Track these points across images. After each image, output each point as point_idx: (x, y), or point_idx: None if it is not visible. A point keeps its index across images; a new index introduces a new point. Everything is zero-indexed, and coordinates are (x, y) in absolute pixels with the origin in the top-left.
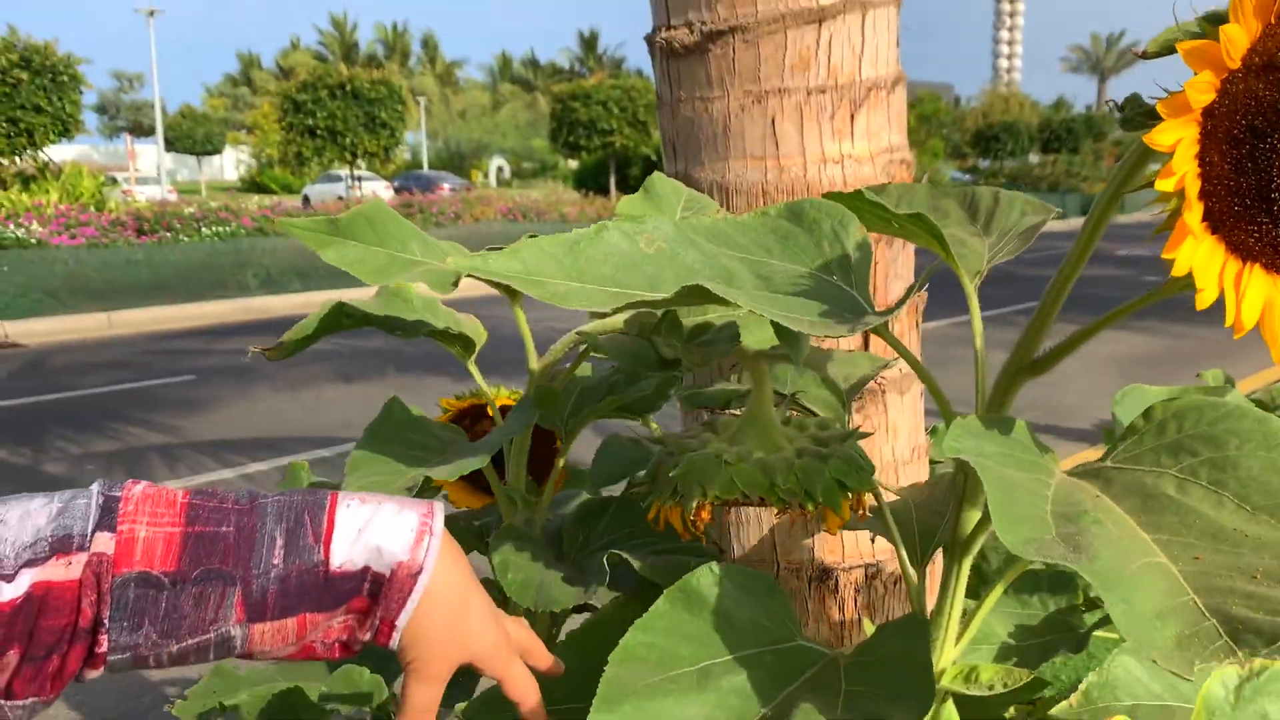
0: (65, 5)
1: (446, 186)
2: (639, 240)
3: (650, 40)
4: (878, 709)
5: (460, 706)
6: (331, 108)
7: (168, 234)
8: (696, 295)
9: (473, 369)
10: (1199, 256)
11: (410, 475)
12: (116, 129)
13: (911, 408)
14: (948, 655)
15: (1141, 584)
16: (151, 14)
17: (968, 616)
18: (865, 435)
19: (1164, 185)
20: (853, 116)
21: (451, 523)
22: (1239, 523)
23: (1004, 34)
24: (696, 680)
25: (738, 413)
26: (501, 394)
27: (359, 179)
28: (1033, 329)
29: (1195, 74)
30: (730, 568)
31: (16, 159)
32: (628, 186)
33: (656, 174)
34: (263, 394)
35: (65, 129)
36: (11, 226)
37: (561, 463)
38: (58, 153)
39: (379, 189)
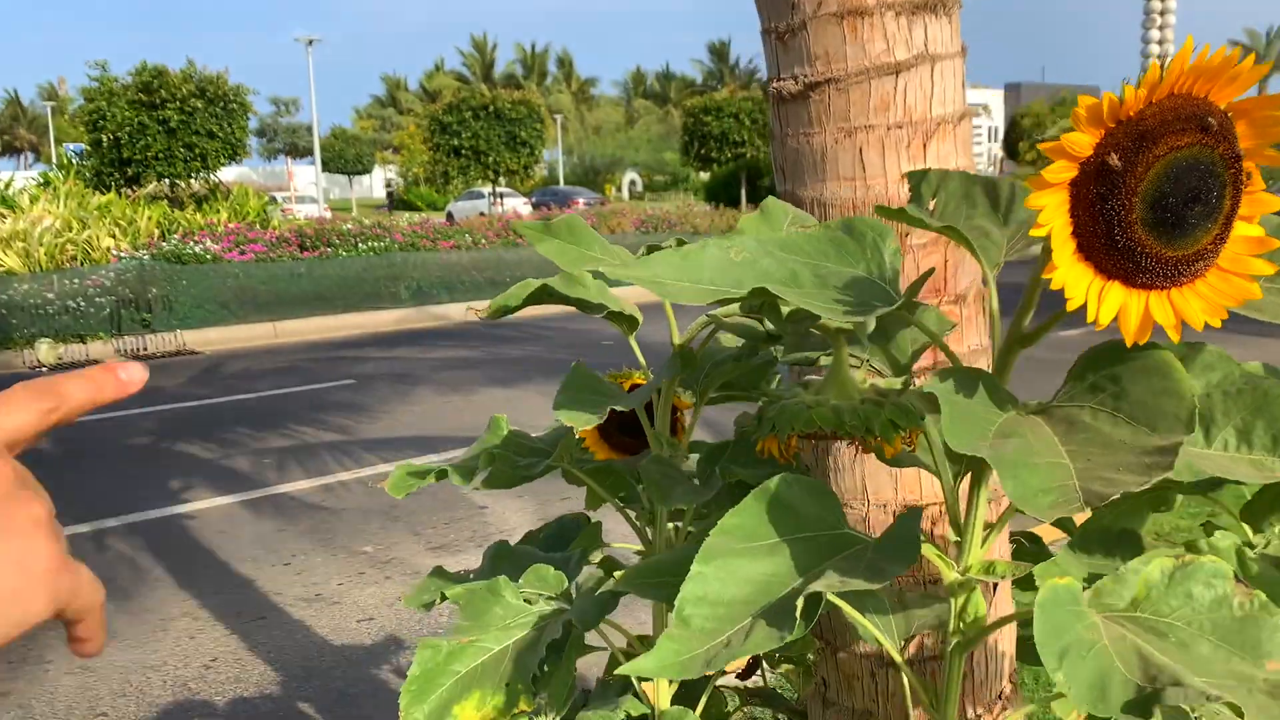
0: (232, 38)
1: (581, 201)
2: (730, 252)
3: (765, 88)
4: (887, 566)
5: None
6: (475, 128)
7: (327, 249)
8: (763, 294)
9: (633, 343)
10: (1069, 277)
11: (601, 408)
12: (274, 151)
13: None
14: (975, 554)
15: (1038, 470)
16: (310, 43)
17: (995, 525)
18: (916, 389)
19: (1036, 233)
20: (925, 145)
21: (607, 468)
22: (1124, 434)
23: (1154, 33)
24: (769, 550)
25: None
26: (635, 376)
27: (500, 195)
28: (1020, 311)
29: (1054, 163)
30: (799, 478)
31: (192, 181)
32: (758, 197)
33: (770, 197)
34: (419, 396)
35: (234, 153)
36: (191, 243)
37: (694, 417)
38: (222, 175)
39: (518, 205)
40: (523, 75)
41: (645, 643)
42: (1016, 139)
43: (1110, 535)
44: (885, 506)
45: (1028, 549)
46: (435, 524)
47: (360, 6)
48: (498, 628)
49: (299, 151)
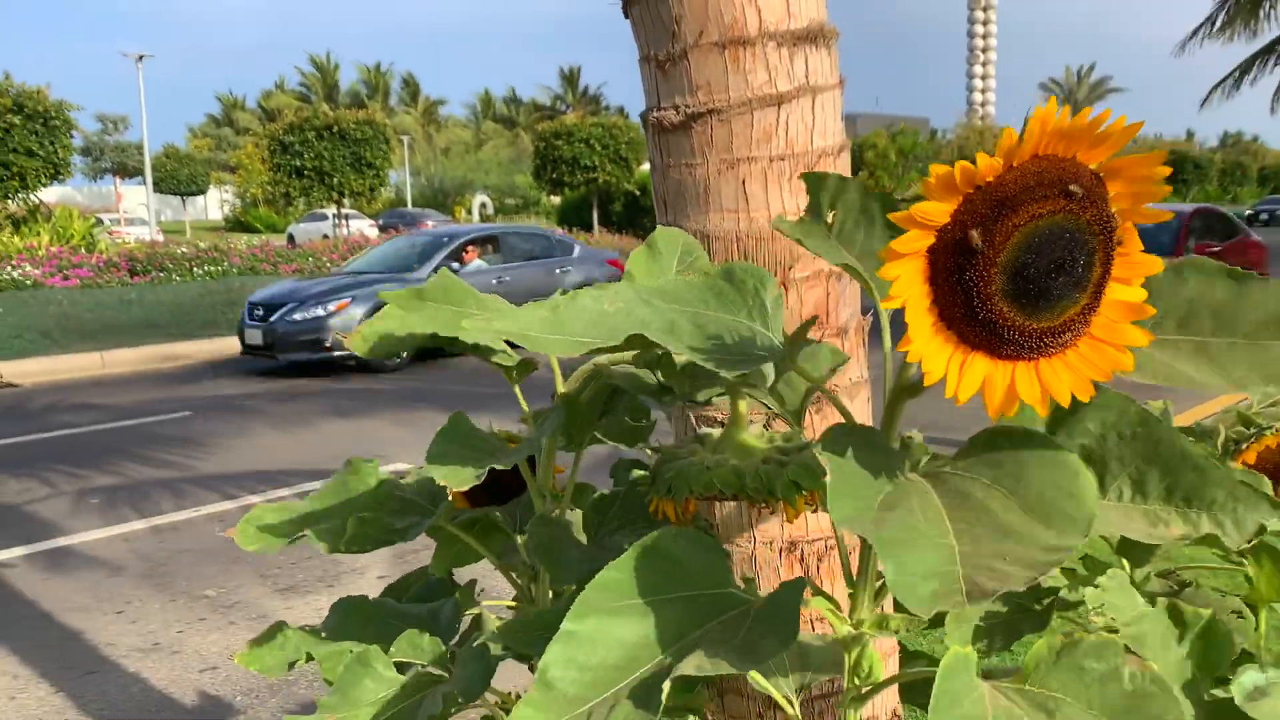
0: (55, 51)
1: (430, 223)
2: (604, 302)
3: (645, 117)
4: (763, 642)
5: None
6: (319, 148)
7: (160, 274)
8: (639, 343)
9: (518, 393)
10: (927, 350)
11: (480, 469)
12: (101, 170)
13: (861, 410)
14: (867, 609)
15: (923, 553)
16: (140, 58)
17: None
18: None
19: (888, 305)
20: None
21: (484, 518)
22: (1015, 521)
23: (977, 68)
24: (645, 609)
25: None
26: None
27: (345, 217)
28: (906, 360)
29: (906, 232)
30: (686, 531)
31: (9, 202)
32: (610, 221)
33: (659, 229)
34: (259, 428)
35: (56, 172)
36: (7, 269)
37: (576, 466)
38: (44, 195)
39: (364, 227)
40: (367, 95)
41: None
42: (857, 169)
43: None
44: (771, 544)
45: None
46: (281, 564)
47: (197, 22)
48: (369, 703)
49: (128, 171)
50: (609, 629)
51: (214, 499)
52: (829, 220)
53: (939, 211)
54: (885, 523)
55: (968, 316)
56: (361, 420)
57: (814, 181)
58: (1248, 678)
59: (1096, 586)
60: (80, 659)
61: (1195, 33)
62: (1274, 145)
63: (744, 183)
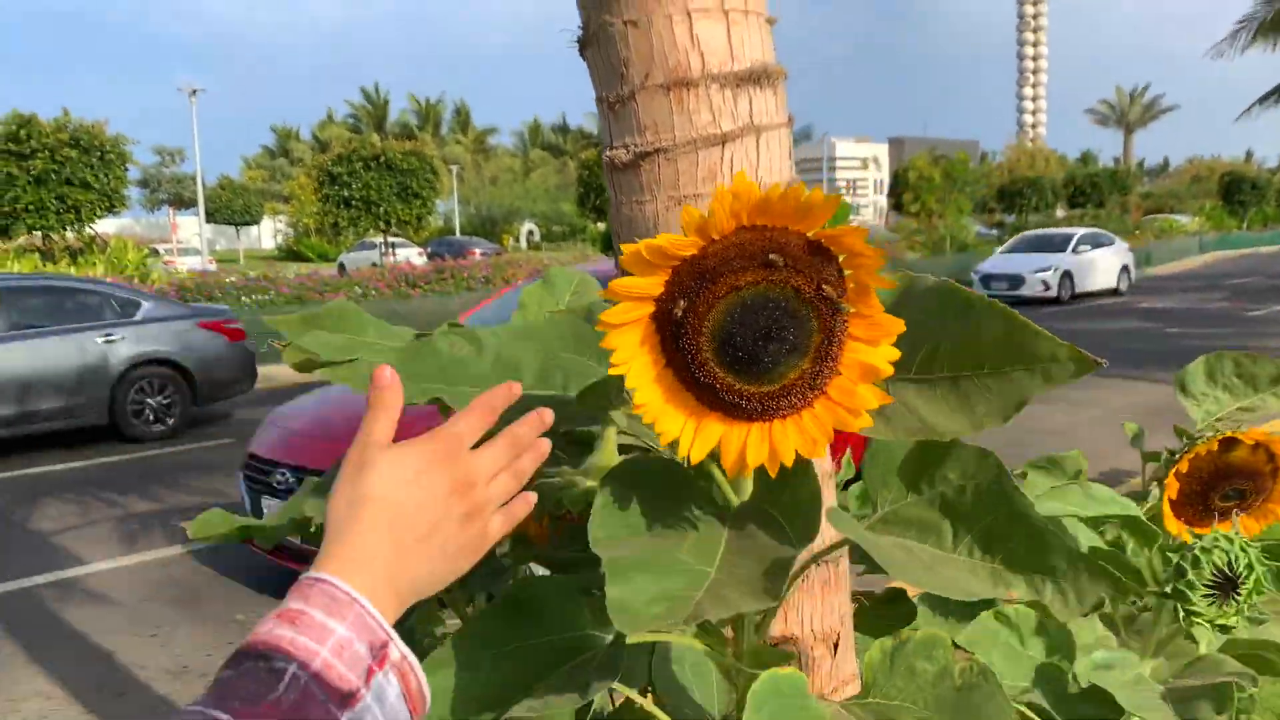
0: (115, 86)
1: (478, 251)
2: (451, 346)
3: (601, 156)
4: (591, 682)
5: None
6: (366, 179)
7: (209, 303)
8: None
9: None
10: (661, 413)
11: None
12: (158, 201)
13: None
14: (748, 640)
15: (664, 578)
16: (194, 93)
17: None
18: None
19: (614, 372)
20: None
21: None
22: (769, 541)
23: (1027, 90)
24: (504, 657)
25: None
26: None
27: (393, 246)
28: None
29: (618, 303)
30: (552, 578)
31: (66, 233)
32: None
33: (553, 267)
34: None
35: (112, 204)
36: None
37: None
38: (102, 226)
39: (411, 255)
40: (417, 125)
41: None
42: (901, 192)
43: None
44: None
45: (883, 608)
46: None
47: (252, 55)
48: None
49: (184, 202)
50: (472, 678)
51: None
52: None
53: (652, 284)
54: (633, 547)
55: (693, 380)
56: None
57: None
58: (1097, 655)
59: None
60: (112, 681)
61: (1236, 35)
62: None
63: None
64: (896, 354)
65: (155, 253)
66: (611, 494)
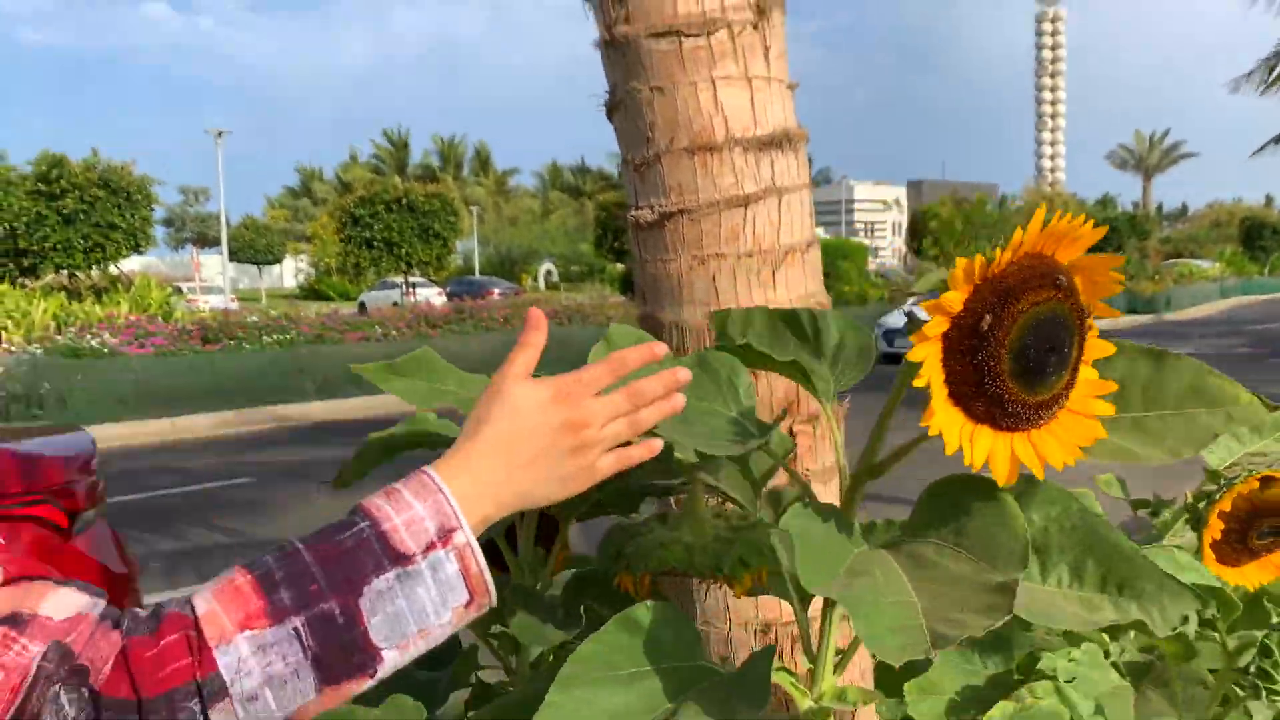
0: (145, 126)
1: (496, 291)
2: None
3: (626, 215)
4: (738, 708)
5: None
6: (388, 220)
7: (231, 342)
8: None
9: None
10: (945, 424)
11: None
12: (182, 240)
13: (833, 494)
14: (828, 681)
15: (885, 611)
16: (220, 135)
17: (845, 652)
18: (768, 525)
19: (918, 383)
20: (774, 273)
21: None
22: (966, 570)
23: (1045, 134)
24: (627, 680)
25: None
26: None
27: (413, 286)
28: (871, 445)
29: (931, 318)
30: (662, 605)
31: (91, 272)
32: None
33: (615, 325)
34: (318, 495)
35: (137, 244)
36: (87, 337)
37: (560, 541)
38: (127, 264)
39: (431, 295)
40: (439, 167)
41: None
42: (920, 234)
43: (982, 640)
44: (746, 625)
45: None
46: None
47: (279, 97)
48: None
49: (208, 241)
50: (592, 699)
51: None
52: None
53: (956, 299)
54: (851, 586)
55: (978, 392)
56: None
57: (720, 319)
58: None
59: (1072, 660)
60: None
61: (1249, 74)
62: None
63: (714, 278)
64: (1096, 373)
65: (179, 291)
66: (801, 541)
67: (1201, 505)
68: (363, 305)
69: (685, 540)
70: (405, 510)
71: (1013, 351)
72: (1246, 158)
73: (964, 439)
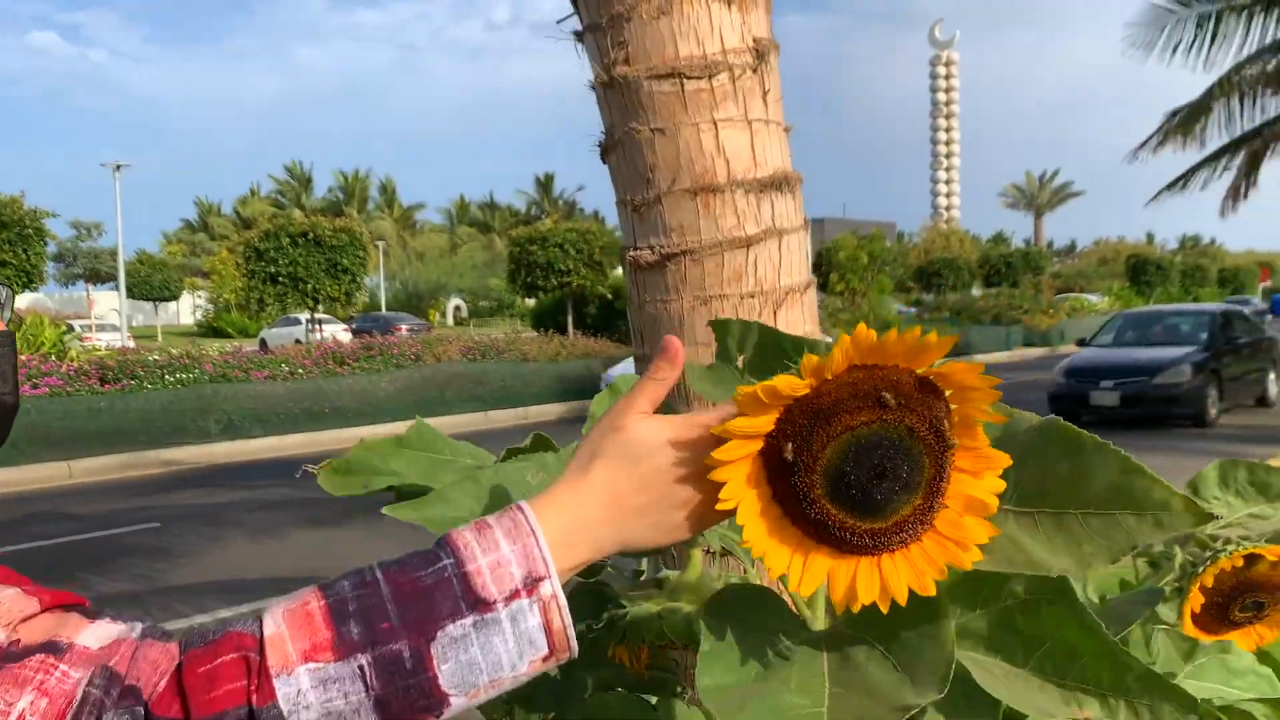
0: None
1: (405, 327)
2: (527, 474)
3: (623, 255)
4: None
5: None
6: (294, 255)
7: (131, 381)
8: None
9: None
10: (768, 547)
11: None
12: (73, 276)
13: None
14: None
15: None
16: (118, 168)
17: None
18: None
19: (723, 507)
20: (775, 313)
21: None
22: (885, 681)
23: (941, 174)
24: None
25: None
26: None
27: (319, 322)
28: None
29: (731, 440)
30: (628, 696)
31: None
32: (584, 324)
33: (619, 375)
34: (229, 538)
35: (29, 280)
36: None
37: None
38: (17, 302)
39: (338, 332)
40: (343, 201)
41: None
42: (827, 272)
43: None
44: None
45: None
46: None
47: (176, 130)
48: None
49: (101, 277)
50: None
51: (183, 611)
52: (739, 362)
53: (762, 423)
54: (749, 700)
55: (802, 516)
56: (333, 529)
57: (720, 327)
58: None
59: None
60: None
61: (1144, 143)
62: (1232, 247)
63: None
64: (1001, 485)
65: (71, 329)
66: (711, 631)
67: (1182, 581)
68: (264, 342)
69: (685, 611)
70: (492, 551)
71: (830, 477)
72: (1131, 198)
73: (794, 565)
